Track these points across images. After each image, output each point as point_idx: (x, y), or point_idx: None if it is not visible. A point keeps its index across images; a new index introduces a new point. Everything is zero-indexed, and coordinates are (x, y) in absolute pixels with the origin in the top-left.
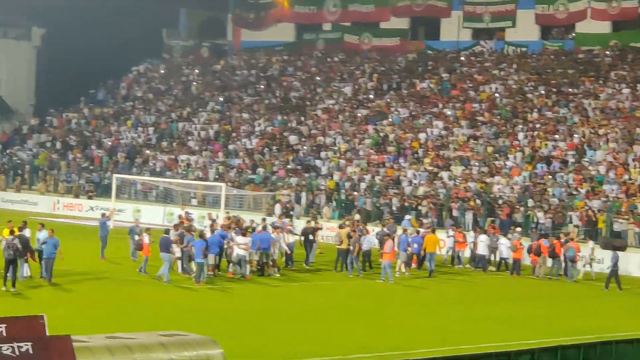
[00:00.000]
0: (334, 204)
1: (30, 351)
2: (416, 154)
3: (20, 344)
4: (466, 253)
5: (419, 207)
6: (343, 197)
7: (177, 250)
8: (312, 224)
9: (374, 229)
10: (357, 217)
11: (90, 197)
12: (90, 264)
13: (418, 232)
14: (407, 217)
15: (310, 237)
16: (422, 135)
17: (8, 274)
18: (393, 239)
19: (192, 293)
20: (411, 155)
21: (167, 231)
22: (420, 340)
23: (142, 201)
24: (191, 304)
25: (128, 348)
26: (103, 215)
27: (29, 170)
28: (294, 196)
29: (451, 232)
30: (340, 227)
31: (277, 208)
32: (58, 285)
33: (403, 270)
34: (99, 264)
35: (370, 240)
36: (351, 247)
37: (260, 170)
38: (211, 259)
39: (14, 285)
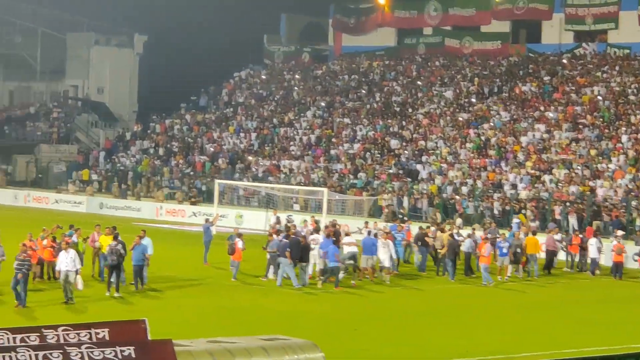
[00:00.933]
0: (434, 208)
1: (133, 355)
2: (518, 158)
3: (122, 348)
4: (560, 255)
5: (522, 211)
6: (445, 201)
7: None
8: (431, 229)
9: (476, 232)
10: (459, 221)
11: (193, 203)
12: (193, 270)
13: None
14: (516, 220)
15: (421, 242)
16: (523, 139)
17: (112, 279)
18: (493, 243)
19: (293, 297)
20: (513, 159)
21: (286, 236)
22: (523, 344)
23: (244, 207)
24: (292, 309)
25: (229, 352)
26: (207, 220)
27: (132, 176)
28: (395, 200)
29: (558, 236)
30: (442, 230)
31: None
32: (158, 290)
33: (508, 273)
34: (202, 269)
35: (469, 244)
36: (444, 250)
37: (362, 174)
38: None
39: (117, 290)
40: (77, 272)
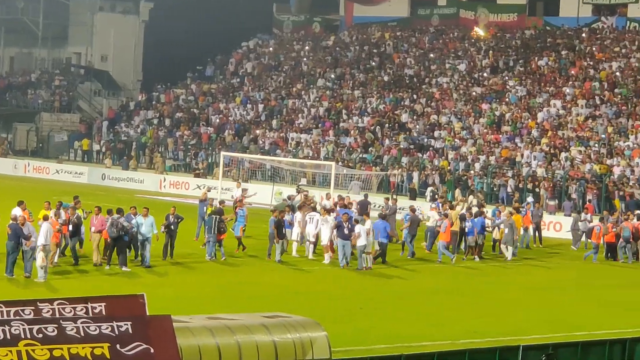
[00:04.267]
0: (446, 184)
1: (130, 330)
2: (533, 134)
3: (119, 323)
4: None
5: (536, 189)
6: (457, 177)
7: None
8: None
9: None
10: (471, 199)
11: (197, 175)
12: (195, 245)
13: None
14: (529, 199)
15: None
16: (539, 115)
17: (114, 253)
18: (463, 219)
19: (300, 275)
20: (527, 135)
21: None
22: (532, 326)
23: (250, 180)
24: (299, 286)
25: (229, 329)
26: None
27: (135, 147)
28: (405, 176)
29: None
30: (451, 207)
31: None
32: (158, 265)
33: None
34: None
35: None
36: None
37: (372, 149)
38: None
39: (125, 264)
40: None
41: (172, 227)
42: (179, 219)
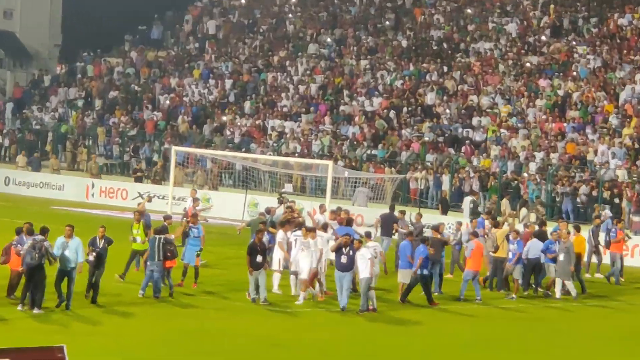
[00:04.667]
0: (488, 193)
1: None
2: (611, 122)
3: None
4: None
5: (615, 199)
6: (503, 182)
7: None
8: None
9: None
10: (523, 211)
11: (138, 179)
12: (132, 278)
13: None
14: (606, 212)
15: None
16: (620, 95)
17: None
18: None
19: (283, 320)
20: (603, 124)
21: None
22: None
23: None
24: (280, 336)
25: None
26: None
27: (52, 139)
28: (432, 180)
29: None
30: (495, 226)
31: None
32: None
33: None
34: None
35: (536, 246)
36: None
37: (385, 142)
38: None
39: (40, 305)
40: None
41: (102, 254)
42: (108, 242)
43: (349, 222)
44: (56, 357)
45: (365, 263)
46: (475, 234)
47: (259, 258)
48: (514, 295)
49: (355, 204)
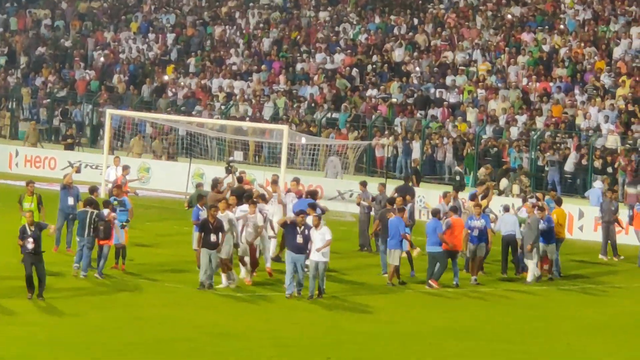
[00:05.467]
0: (464, 161)
1: None
2: (602, 81)
3: None
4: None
5: (607, 169)
6: (481, 149)
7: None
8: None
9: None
10: (504, 182)
11: (69, 147)
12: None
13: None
14: (598, 183)
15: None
16: (614, 51)
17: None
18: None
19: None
20: (594, 82)
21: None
22: None
23: (152, 154)
24: (227, 326)
25: None
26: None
27: None
28: (401, 147)
29: None
30: (471, 198)
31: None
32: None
33: (474, 276)
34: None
35: (508, 221)
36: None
37: (347, 105)
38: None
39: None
40: None
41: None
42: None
43: (314, 194)
44: None
45: (321, 243)
46: (454, 209)
47: (213, 237)
48: (474, 278)
49: (327, 176)
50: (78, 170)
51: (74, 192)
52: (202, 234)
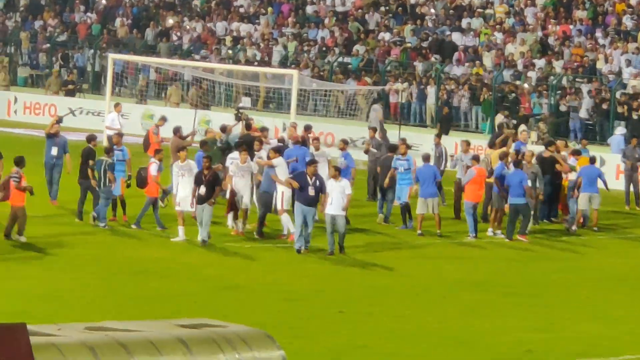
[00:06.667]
0: (481, 107)
1: None
2: (624, 23)
3: None
4: None
5: (633, 114)
6: (499, 94)
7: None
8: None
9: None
10: (521, 129)
11: (69, 92)
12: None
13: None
14: (620, 129)
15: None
16: None
17: None
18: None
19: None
20: (616, 25)
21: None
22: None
23: (158, 99)
24: (236, 278)
25: (122, 346)
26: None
27: None
28: (416, 93)
29: None
30: (491, 144)
31: None
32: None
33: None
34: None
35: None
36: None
37: (360, 48)
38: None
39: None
40: None
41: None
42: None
43: (303, 141)
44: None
45: (340, 196)
46: (477, 158)
47: (202, 190)
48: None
49: (371, 124)
50: (59, 120)
51: (60, 142)
52: (196, 187)
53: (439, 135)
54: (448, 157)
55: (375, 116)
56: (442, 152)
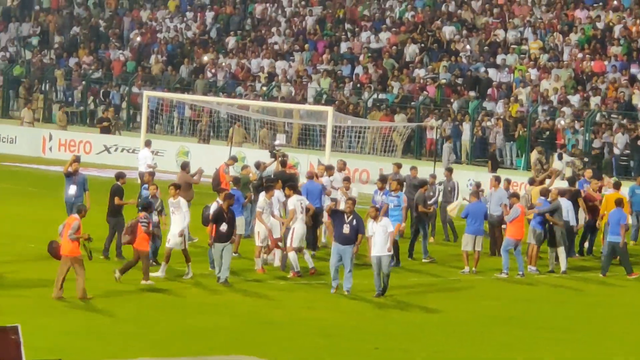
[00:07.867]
0: (516, 143)
1: None
2: None
3: None
4: None
5: None
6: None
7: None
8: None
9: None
10: (557, 165)
11: (105, 130)
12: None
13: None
14: None
15: None
16: None
17: None
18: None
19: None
20: None
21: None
22: None
23: (191, 137)
24: (271, 314)
25: None
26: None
27: (2, 84)
28: (450, 129)
29: None
30: (531, 182)
31: None
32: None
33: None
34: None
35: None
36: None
37: (395, 85)
38: None
39: None
40: None
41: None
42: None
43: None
44: (10, 340)
45: (384, 237)
46: (516, 196)
47: (224, 227)
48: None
49: (443, 165)
50: (77, 159)
51: (79, 180)
52: (215, 224)
53: (449, 170)
54: (459, 191)
55: (447, 153)
56: (453, 187)
